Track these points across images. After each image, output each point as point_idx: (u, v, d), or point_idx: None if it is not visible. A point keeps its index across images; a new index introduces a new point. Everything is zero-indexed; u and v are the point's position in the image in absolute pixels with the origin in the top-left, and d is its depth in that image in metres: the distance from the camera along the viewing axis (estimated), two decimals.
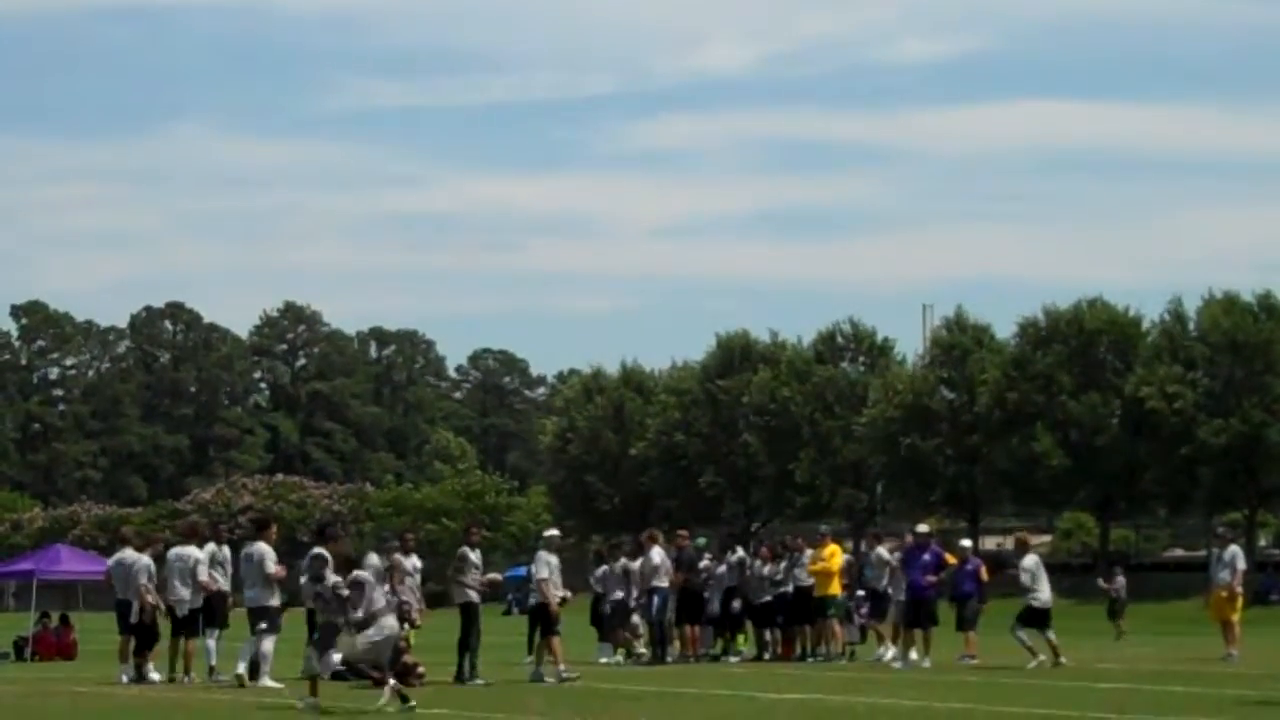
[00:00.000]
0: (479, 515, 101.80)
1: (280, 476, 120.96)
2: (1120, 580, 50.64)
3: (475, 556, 26.09)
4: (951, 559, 30.52)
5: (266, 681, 24.64)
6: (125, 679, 26.27)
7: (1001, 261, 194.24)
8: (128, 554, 27.09)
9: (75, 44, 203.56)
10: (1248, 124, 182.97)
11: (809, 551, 31.43)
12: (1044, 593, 28.78)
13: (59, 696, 24.29)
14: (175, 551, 26.94)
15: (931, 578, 29.24)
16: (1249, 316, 74.51)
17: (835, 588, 30.89)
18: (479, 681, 24.82)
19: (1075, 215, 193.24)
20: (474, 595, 25.62)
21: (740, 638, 32.32)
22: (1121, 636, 45.70)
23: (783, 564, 31.79)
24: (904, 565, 29.98)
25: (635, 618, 32.57)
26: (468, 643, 25.32)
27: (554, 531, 28.05)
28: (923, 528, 31.19)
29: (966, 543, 33.97)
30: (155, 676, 26.37)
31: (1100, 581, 50.90)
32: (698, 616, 31.81)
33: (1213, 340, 74.24)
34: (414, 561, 27.33)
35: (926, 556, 29.51)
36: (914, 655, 28.95)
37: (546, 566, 26.41)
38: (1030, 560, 29.08)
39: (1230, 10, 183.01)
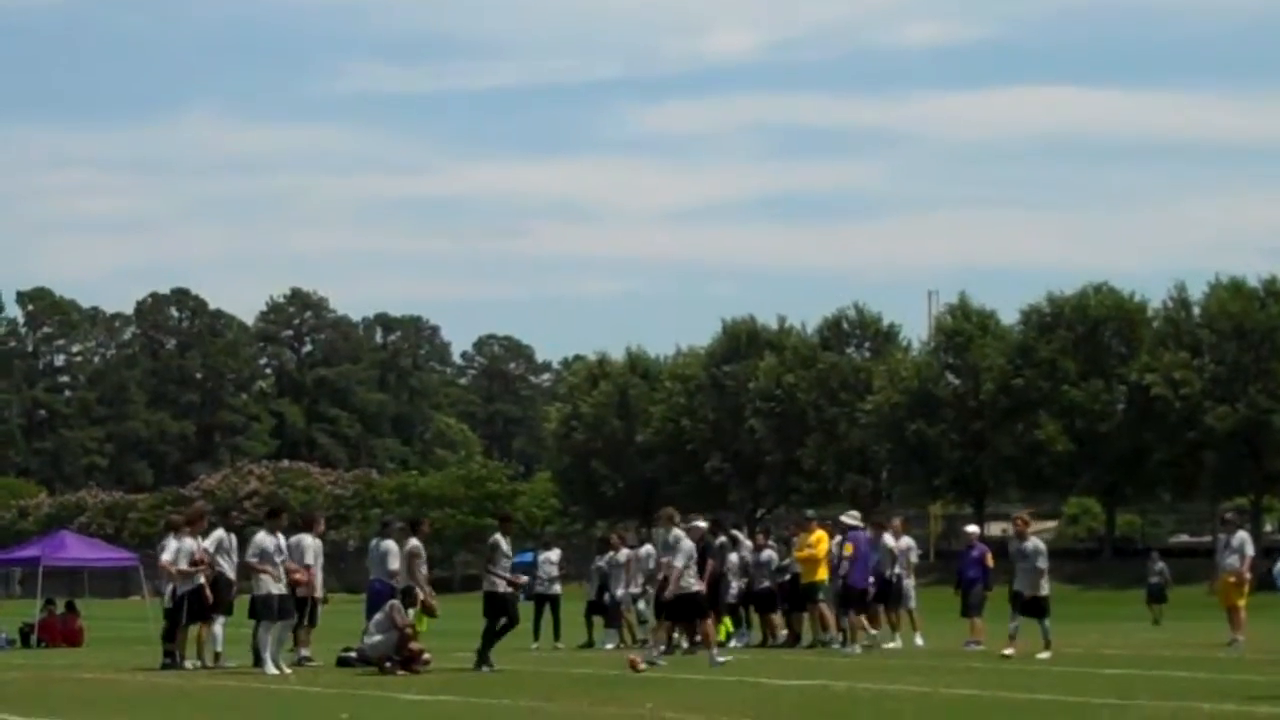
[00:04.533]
0: (484, 502, 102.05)
1: (286, 463, 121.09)
2: (1159, 565, 50.70)
3: (507, 545, 25.83)
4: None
5: (269, 669, 24.59)
6: (190, 665, 26.22)
7: (1006, 247, 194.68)
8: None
9: (81, 30, 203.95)
10: (1253, 109, 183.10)
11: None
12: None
13: (64, 683, 24.31)
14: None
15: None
16: (1254, 302, 74.60)
17: (822, 574, 30.73)
18: (485, 669, 24.75)
19: (1080, 201, 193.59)
20: (501, 585, 25.26)
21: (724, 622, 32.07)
22: (1157, 621, 46.24)
23: (782, 550, 31.82)
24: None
25: (641, 604, 32.60)
26: (494, 631, 25.04)
27: (700, 522, 28.02)
28: (851, 516, 30.97)
29: (973, 528, 33.86)
30: (188, 665, 26.30)
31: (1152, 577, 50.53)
32: (717, 602, 31.65)
33: (1218, 326, 74.29)
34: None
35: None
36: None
37: (684, 556, 26.24)
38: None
39: None
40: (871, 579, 32.61)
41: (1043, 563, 27.93)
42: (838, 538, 30.19)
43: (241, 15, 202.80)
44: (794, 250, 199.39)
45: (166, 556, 26.65)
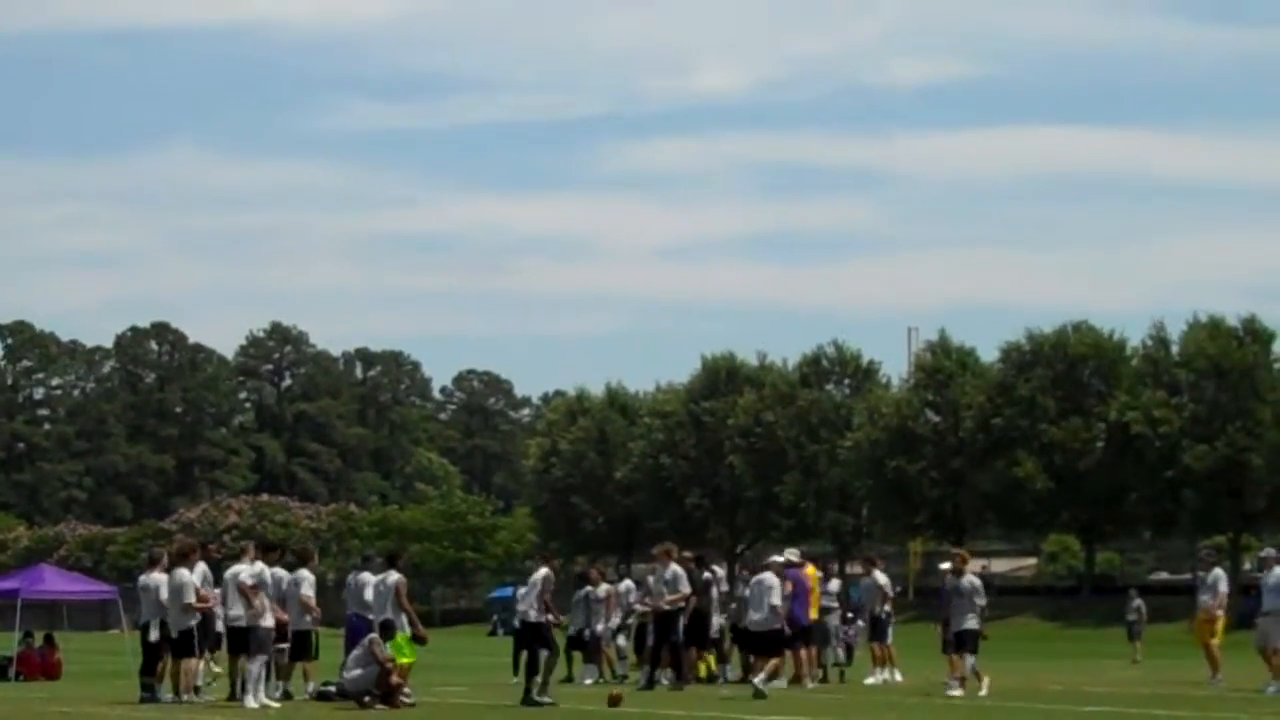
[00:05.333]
0: (463, 536, 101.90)
1: (265, 497, 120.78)
2: (1136, 603, 50.64)
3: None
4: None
5: (249, 702, 24.48)
6: (168, 698, 25.94)
7: (986, 285, 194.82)
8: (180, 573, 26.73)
9: (65, 65, 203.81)
10: (1233, 149, 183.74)
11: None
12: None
13: (43, 717, 24.23)
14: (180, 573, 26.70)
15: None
16: (1233, 341, 74.77)
17: (811, 613, 30.62)
18: (547, 700, 24.41)
19: (1060, 239, 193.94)
20: (544, 616, 25.04)
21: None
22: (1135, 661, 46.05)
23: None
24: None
25: (621, 639, 32.62)
26: (536, 663, 24.82)
27: (778, 558, 28.22)
28: (793, 554, 30.85)
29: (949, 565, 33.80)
30: (167, 696, 26.10)
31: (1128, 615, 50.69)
32: (703, 639, 31.40)
33: (1197, 365, 74.46)
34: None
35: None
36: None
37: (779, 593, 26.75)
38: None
39: (1216, 38, 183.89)
40: (850, 614, 32.61)
41: (980, 599, 27.57)
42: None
43: (226, 50, 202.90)
44: (775, 287, 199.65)
45: (168, 596, 26.20)
